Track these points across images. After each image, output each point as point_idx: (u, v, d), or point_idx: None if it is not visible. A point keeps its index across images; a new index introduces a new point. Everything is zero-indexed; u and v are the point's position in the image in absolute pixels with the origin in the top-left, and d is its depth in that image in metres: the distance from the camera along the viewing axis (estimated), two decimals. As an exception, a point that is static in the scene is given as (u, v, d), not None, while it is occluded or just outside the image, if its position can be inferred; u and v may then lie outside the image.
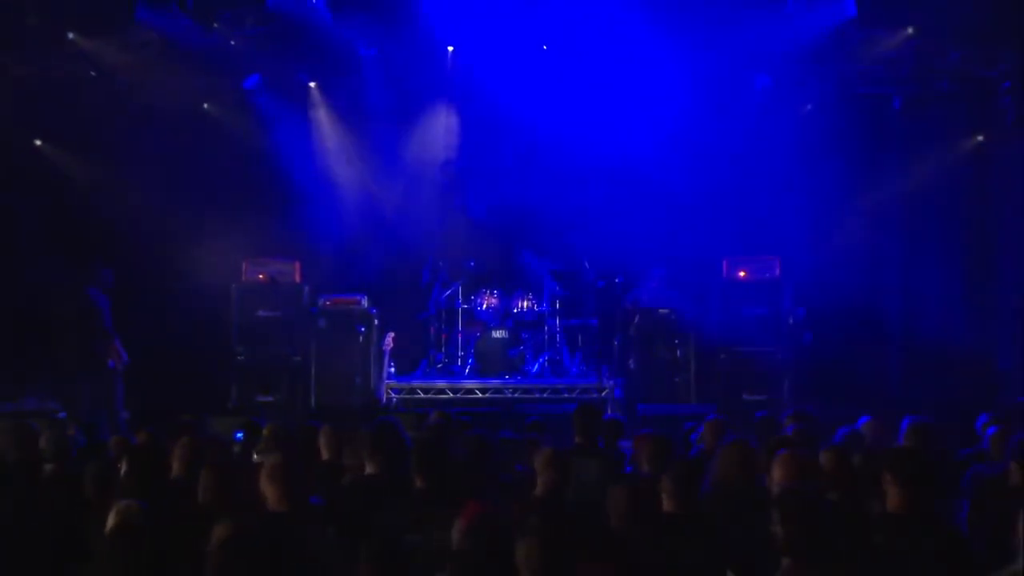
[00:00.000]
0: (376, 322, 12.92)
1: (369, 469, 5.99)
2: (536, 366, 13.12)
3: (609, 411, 11.85)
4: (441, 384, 12.80)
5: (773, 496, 4.55)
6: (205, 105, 13.73)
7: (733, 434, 6.46)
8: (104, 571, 4.30)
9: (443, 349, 13.49)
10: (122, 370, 11.71)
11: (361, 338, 12.79)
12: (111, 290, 11.80)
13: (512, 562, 4.00)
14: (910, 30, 12.49)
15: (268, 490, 5.11)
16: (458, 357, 13.37)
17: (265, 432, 7.27)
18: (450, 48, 13.58)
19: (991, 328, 12.70)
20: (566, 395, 12.42)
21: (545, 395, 12.42)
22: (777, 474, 5.03)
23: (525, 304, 13.41)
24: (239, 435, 7.61)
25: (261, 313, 12.80)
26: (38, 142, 13.30)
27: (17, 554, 4.75)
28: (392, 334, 12.85)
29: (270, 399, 12.52)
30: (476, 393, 12.60)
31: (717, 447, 6.05)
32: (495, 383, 12.70)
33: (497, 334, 13.17)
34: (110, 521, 4.62)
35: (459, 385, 12.75)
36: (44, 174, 13.13)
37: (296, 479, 5.17)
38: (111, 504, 4.91)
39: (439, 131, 14.08)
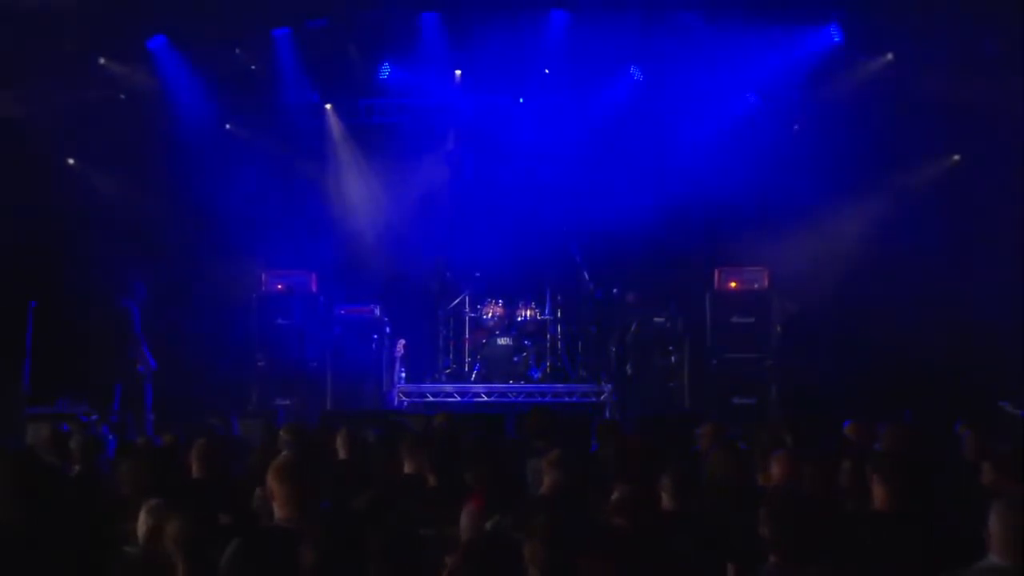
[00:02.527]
0: (388, 330, 12.93)
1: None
2: (539, 372, 13.11)
3: (607, 414, 11.86)
4: (449, 388, 12.79)
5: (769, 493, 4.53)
6: (227, 125, 13.73)
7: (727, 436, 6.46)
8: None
9: (451, 356, 13.48)
10: (150, 375, 11.70)
11: (374, 345, 12.80)
12: (143, 301, 11.80)
13: (512, 553, 3.98)
14: (890, 56, 12.51)
15: (275, 490, 4.76)
16: (465, 363, 13.37)
17: (282, 433, 7.27)
18: (457, 72, 13.62)
19: (968, 337, 12.66)
20: (567, 399, 12.42)
21: (547, 399, 12.39)
22: (776, 473, 5.01)
23: (528, 313, 13.39)
24: None
25: (280, 321, 12.81)
26: (71, 161, 13.31)
27: (44, 553, 4.68)
28: (403, 341, 12.86)
29: (288, 402, 12.51)
30: (482, 397, 12.60)
31: (712, 448, 6.04)
32: (500, 388, 12.68)
33: (502, 341, 13.16)
34: (142, 519, 4.54)
35: (466, 389, 12.73)
36: (77, 191, 13.13)
37: (306, 479, 4.83)
38: (141, 502, 4.86)
39: (447, 148, 14.08)
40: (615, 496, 4.76)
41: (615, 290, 12.91)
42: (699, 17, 12.20)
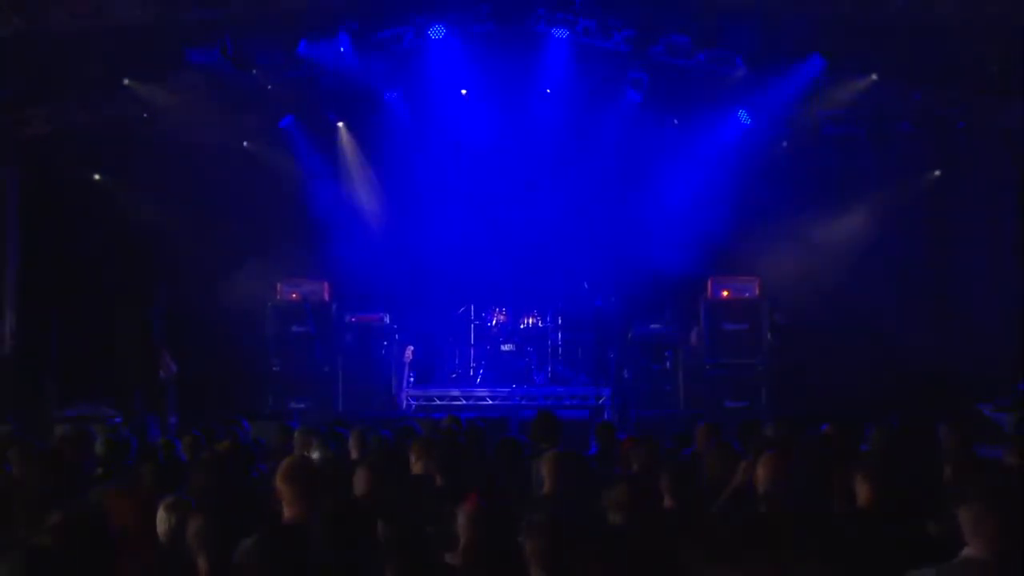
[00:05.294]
0: (397, 337, 12.92)
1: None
2: (541, 376, 13.10)
3: (606, 416, 11.83)
4: (455, 392, 12.78)
5: (759, 494, 4.50)
6: (245, 143, 13.74)
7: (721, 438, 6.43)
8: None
9: (457, 361, 13.47)
10: (171, 379, 11.70)
11: (383, 351, 12.80)
12: (164, 309, 11.81)
13: (512, 549, 3.95)
14: (873, 76, 12.51)
15: (283, 490, 4.70)
16: (470, 368, 13.36)
17: (296, 435, 7.25)
18: (463, 91, 13.64)
19: (950, 343, 12.63)
20: (567, 402, 12.40)
21: (548, 402, 12.35)
22: (761, 474, 4.98)
23: (531, 320, 13.41)
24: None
25: (294, 328, 12.81)
26: (96, 176, 13.32)
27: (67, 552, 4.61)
28: (411, 347, 12.84)
29: (302, 406, 12.50)
30: (487, 400, 12.58)
31: (706, 449, 6.02)
32: (504, 391, 12.67)
33: (506, 347, 13.18)
34: (161, 516, 4.51)
35: (471, 393, 12.72)
36: (101, 205, 13.14)
37: (313, 481, 4.76)
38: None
39: (454, 163, 14.09)
40: (614, 495, 4.73)
41: (613, 298, 12.92)
42: (692, 41, 12.20)
